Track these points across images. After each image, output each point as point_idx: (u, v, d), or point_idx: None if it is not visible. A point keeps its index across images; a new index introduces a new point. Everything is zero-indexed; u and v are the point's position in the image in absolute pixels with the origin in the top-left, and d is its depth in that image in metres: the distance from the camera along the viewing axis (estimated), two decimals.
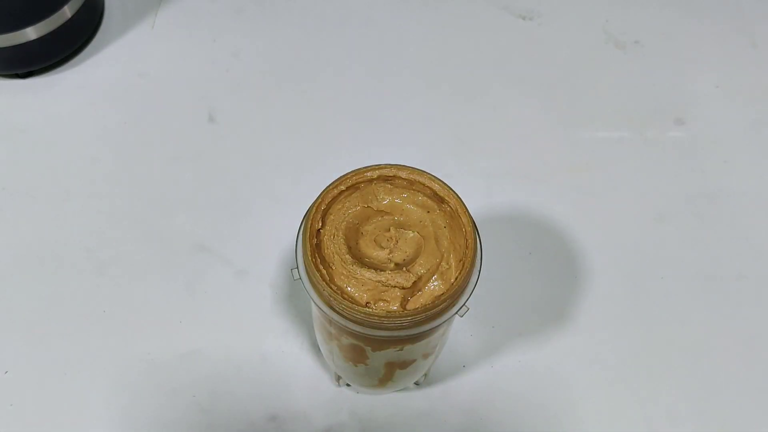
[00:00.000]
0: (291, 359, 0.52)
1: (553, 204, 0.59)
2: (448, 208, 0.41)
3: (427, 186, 0.41)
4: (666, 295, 0.55)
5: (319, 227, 0.40)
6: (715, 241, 0.58)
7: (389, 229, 0.40)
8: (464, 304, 0.39)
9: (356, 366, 0.44)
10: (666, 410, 0.51)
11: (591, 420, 0.51)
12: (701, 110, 0.65)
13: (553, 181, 0.60)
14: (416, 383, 0.51)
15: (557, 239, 0.58)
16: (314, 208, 0.40)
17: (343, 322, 0.38)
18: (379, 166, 0.42)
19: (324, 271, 0.38)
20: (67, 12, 0.62)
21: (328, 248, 0.39)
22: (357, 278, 0.38)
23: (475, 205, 0.42)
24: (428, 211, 0.41)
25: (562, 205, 0.59)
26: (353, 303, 0.37)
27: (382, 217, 0.41)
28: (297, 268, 0.39)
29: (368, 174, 0.41)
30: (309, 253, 0.38)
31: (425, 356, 0.45)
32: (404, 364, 0.44)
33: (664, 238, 0.58)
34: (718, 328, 0.54)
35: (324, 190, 0.41)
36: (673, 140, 0.63)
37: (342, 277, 0.38)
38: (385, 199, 0.41)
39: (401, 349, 0.41)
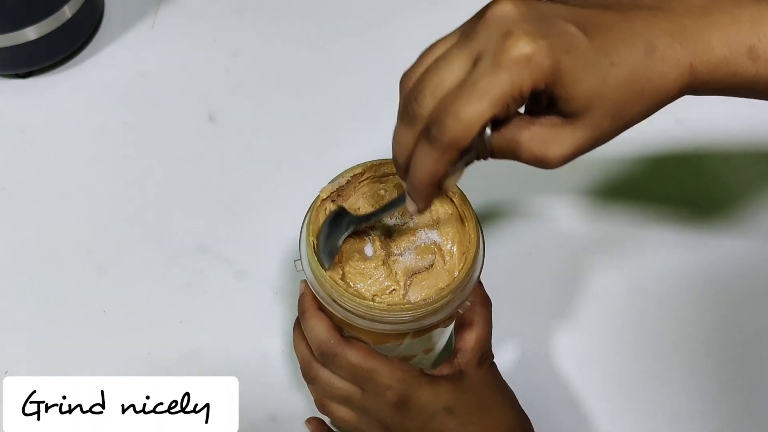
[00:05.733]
0: (291, 359, 0.52)
1: (553, 204, 0.59)
2: (452, 202, 0.41)
3: None
4: (666, 295, 0.55)
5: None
6: (715, 240, 0.58)
7: None
8: (466, 300, 0.39)
9: None
10: (666, 410, 0.51)
11: (591, 419, 0.51)
12: (701, 110, 0.65)
13: (553, 181, 0.60)
14: None
15: (557, 239, 0.58)
16: (318, 201, 0.40)
17: (345, 314, 0.38)
18: (388, 161, 0.42)
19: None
20: (67, 12, 0.62)
21: None
22: (360, 271, 0.38)
23: (475, 204, 0.42)
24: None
25: (562, 205, 0.59)
26: (356, 296, 0.37)
27: None
28: (300, 259, 0.39)
29: (374, 167, 0.42)
30: (312, 246, 0.38)
31: (426, 352, 0.45)
32: (405, 360, 0.44)
33: (665, 238, 0.58)
34: (718, 328, 0.54)
35: (330, 182, 0.41)
36: (673, 140, 0.63)
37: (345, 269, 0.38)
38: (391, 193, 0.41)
39: (401, 344, 0.41)
